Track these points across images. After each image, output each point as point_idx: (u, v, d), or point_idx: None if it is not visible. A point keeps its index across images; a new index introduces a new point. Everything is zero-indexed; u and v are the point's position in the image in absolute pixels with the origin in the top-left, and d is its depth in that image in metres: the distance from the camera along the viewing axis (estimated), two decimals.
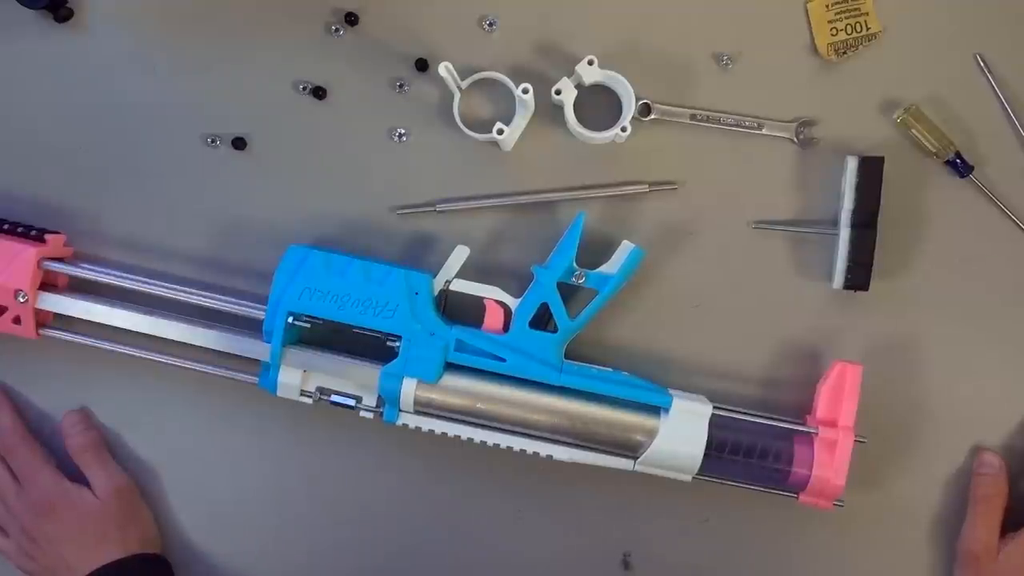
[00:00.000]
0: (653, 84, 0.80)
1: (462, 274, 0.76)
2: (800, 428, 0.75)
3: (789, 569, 0.81)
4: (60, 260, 0.79)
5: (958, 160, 0.79)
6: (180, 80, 0.82)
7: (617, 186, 0.80)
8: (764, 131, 0.81)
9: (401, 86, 0.81)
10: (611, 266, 0.76)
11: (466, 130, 0.80)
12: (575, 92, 0.78)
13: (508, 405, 0.74)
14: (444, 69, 0.76)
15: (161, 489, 0.82)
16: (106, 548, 0.78)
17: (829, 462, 0.74)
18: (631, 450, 0.74)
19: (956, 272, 0.80)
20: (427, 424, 0.75)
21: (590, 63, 0.77)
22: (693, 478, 0.74)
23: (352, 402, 0.76)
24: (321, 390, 0.76)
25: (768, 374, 0.80)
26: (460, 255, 0.76)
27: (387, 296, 0.74)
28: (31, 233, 0.78)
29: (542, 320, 0.75)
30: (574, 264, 0.75)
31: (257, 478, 0.82)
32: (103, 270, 0.79)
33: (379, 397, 0.75)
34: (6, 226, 0.78)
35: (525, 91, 0.76)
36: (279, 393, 0.76)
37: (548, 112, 0.80)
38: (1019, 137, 0.80)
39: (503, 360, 0.74)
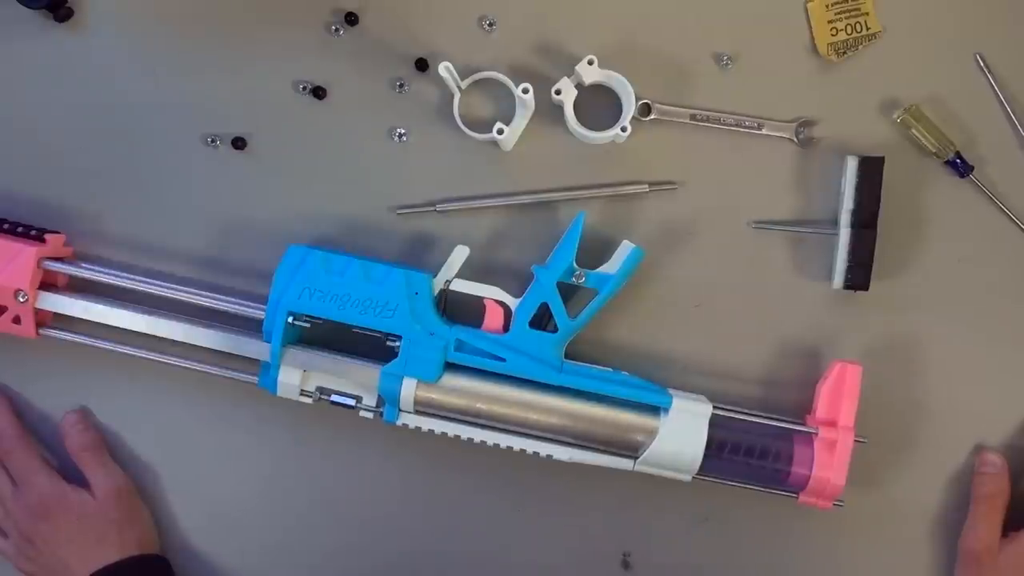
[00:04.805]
0: (653, 84, 0.80)
1: (462, 274, 0.76)
2: (800, 428, 0.75)
3: (789, 569, 0.81)
4: (60, 260, 0.79)
5: (958, 160, 0.79)
6: (180, 80, 0.82)
7: (617, 186, 0.80)
8: (764, 131, 0.81)
9: (401, 86, 0.81)
10: (611, 266, 0.76)
11: (466, 130, 0.80)
12: (575, 92, 0.78)
13: (508, 405, 0.74)
14: (444, 69, 0.75)
15: (160, 489, 0.82)
16: (104, 549, 0.78)
17: (829, 462, 0.74)
18: (631, 450, 0.74)
19: (956, 272, 0.80)
20: (427, 424, 0.75)
21: (590, 63, 0.77)
22: (693, 478, 0.74)
23: (352, 402, 0.76)
24: (321, 390, 0.76)
25: (768, 374, 0.80)
26: (460, 255, 0.76)
27: (387, 296, 0.74)
28: (31, 233, 0.78)
29: (542, 320, 0.75)
30: (574, 264, 0.75)
31: (257, 478, 0.82)
32: (103, 270, 0.79)
33: (379, 397, 0.75)
34: (6, 226, 0.78)
35: (525, 91, 0.76)
36: (279, 393, 0.76)
37: (548, 112, 0.80)
38: (1019, 137, 0.80)
39: (503, 360, 0.74)
